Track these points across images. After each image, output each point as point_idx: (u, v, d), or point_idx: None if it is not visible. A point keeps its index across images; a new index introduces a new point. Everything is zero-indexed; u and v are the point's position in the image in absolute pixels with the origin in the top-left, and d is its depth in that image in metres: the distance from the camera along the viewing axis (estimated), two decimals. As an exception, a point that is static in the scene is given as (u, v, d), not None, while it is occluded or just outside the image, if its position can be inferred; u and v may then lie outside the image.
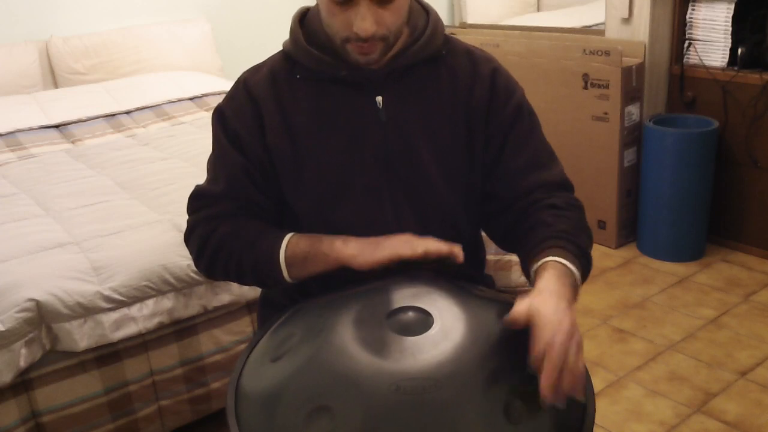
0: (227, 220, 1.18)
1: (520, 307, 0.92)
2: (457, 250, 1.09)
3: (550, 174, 1.20)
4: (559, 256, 1.04)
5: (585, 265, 1.10)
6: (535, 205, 1.17)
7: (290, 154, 1.17)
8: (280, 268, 1.13)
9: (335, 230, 1.16)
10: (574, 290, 1.02)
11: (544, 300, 0.93)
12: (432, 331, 0.91)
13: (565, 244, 1.07)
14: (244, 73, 1.23)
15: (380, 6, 1.06)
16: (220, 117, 1.21)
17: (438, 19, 1.21)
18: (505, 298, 1.07)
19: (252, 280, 1.19)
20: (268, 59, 1.23)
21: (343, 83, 1.16)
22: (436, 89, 1.19)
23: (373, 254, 1.08)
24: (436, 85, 1.19)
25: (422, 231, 1.15)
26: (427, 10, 1.21)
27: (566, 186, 1.22)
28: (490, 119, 1.19)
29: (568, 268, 1.03)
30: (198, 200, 1.22)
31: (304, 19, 1.21)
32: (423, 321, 0.93)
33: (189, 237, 1.22)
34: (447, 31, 1.23)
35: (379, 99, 1.16)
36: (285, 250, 1.13)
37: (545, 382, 0.85)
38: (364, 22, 1.05)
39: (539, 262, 1.05)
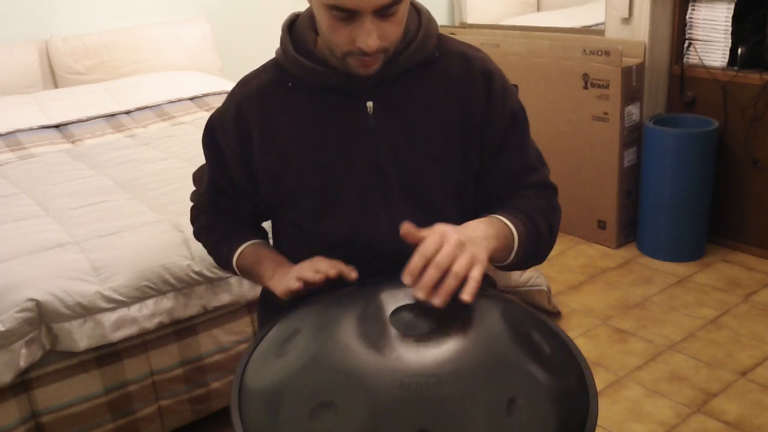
0: (205, 213, 1.33)
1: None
2: (349, 271, 1.10)
3: (539, 175, 1.24)
4: (502, 216, 1.11)
5: (532, 236, 1.14)
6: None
7: (278, 169, 1.16)
8: (237, 273, 1.30)
9: (330, 240, 1.17)
10: (503, 239, 1.07)
11: (447, 225, 0.99)
12: (435, 329, 0.91)
13: (514, 212, 1.13)
14: (237, 84, 1.22)
15: (383, 19, 1.03)
16: (209, 129, 1.25)
17: (430, 20, 1.17)
18: (507, 297, 1.08)
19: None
20: (260, 68, 1.22)
21: (334, 91, 1.14)
22: (428, 93, 1.16)
23: (281, 283, 1.13)
24: (429, 88, 1.16)
25: None
26: (419, 11, 1.18)
27: (550, 187, 1.26)
28: (486, 124, 1.17)
29: (502, 222, 1.09)
30: (195, 184, 1.35)
31: (293, 27, 1.18)
32: (426, 318, 0.93)
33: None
34: (447, 31, 1.22)
35: (370, 104, 1.14)
36: (237, 261, 1.26)
37: (407, 268, 0.93)
38: (369, 38, 1.02)
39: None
